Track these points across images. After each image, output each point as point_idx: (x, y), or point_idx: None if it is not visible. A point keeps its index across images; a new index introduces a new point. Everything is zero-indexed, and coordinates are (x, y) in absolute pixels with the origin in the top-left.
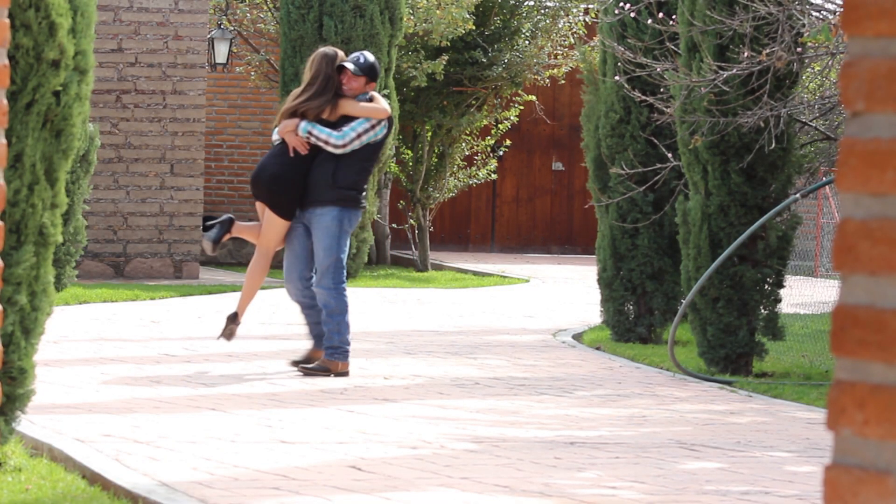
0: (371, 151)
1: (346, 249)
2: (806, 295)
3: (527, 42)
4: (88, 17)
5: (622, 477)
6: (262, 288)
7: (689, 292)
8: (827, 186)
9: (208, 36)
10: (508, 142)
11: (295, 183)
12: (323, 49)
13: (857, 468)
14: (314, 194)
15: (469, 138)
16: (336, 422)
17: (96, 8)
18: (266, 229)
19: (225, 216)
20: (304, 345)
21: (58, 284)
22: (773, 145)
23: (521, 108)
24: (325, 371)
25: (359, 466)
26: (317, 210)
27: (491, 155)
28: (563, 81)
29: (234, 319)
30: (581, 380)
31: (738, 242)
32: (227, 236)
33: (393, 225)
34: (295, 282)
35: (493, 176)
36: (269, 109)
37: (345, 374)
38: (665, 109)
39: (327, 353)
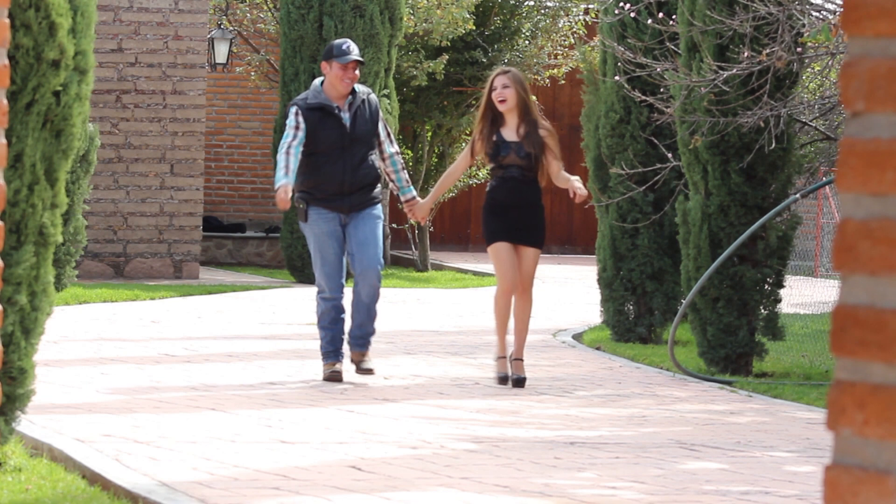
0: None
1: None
2: (806, 295)
3: (527, 42)
4: (88, 17)
5: (622, 477)
6: (262, 288)
7: (689, 292)
8: (827, 186)
9: (208, 36)
10: None
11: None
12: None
13: (857, 468)
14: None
15: (469, 138)
16: (336, 422)
17: (96, 8)
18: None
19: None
20: (305, 345)
21: (58, 284)
22: (773, 145)
23: None
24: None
25: (359, 466)
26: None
27: None
28: (563, 81)
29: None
30: (581, 380)
31: (739, 242)
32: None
33: (393, 225)
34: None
35: None
36: (269, 109)
37: (331, 376)
38: (665, 109)
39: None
